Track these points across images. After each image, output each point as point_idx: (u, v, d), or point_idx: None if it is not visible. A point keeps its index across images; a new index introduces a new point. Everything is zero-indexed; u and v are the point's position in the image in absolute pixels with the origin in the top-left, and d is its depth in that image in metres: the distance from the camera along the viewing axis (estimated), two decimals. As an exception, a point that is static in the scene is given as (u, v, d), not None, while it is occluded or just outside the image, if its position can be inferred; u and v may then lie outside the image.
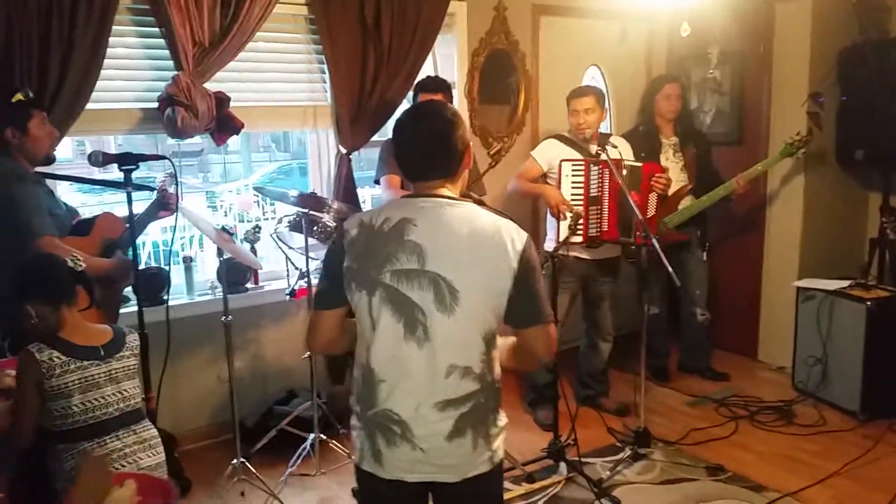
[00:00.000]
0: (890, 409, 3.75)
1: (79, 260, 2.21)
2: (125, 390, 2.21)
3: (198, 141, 3.83)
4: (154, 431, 2.28)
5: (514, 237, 1.66)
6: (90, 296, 2.22)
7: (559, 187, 3.53)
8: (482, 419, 1.69)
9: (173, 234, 2.67)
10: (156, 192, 2.83)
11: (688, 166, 4.13)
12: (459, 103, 4.15)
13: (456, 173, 1.73)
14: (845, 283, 3.97)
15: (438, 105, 1.77)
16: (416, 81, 3.59)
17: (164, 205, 2.85)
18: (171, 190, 2.86)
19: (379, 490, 1.72)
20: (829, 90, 4.19)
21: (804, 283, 4.15)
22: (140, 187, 2.70)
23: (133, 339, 2.29)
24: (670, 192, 4.08)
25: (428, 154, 1.69)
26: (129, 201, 2.39)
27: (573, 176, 3.51)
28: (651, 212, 3.61)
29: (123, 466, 2.10)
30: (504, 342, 1.77)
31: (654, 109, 4.19)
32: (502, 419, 1.76)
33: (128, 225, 2.50)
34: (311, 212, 3.12)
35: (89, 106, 3.05)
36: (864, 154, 4.06)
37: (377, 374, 1.65)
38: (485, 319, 1.66)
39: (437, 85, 3.45)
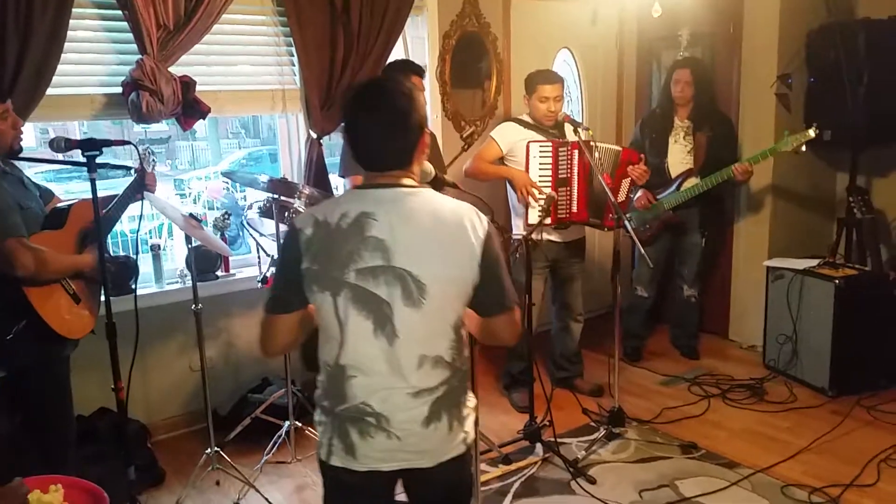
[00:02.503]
0: (858, 384, 3.82)
1: None
2: None
3: (165, 127, 3.76)
4: None
5: (476, 223, 1.62)
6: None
7: (526, 170, 3.53)
8: (455, 402, 1.68)
9: (139, 223, 2.60)
10: (133, 171, 2.70)
11: (697, 150, 4.15)
12: (431, 87, 4.11)
13: (413, 160, 1.64)
14: (814, 263, 4.03)
15: (395, 82, 1.64)
16: (387, 64, 3.55)
17: (143, 185, 2.72)
18: (150, 169, 2.78)
19: (349, 483, 1.67)
20: (798, 71, 4.23)
21: (774, 262, 4.20)
22: (116, 167, 2.64)
23: None
24: (673, 173, 4.12)
25: (387, 139, 1.59)
26: (94, 189, 2.32)
27: (541, 157, 3.50)
28: (622, 196, 3.62)
29: None
30: (470, 314, 1.72)
31: (670, 93, 4.21)
32: (471, 399, 1.76)
33: (104, 210, 2.42)
34: (282, 197, 3.08)
35: (51, 91, 2.97)
36: (832, 135, 4.10)
37: (347, 370, 1.61)
38: (453, 309, 1.63)
39: (409, 68, 3.39)
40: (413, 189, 1.62)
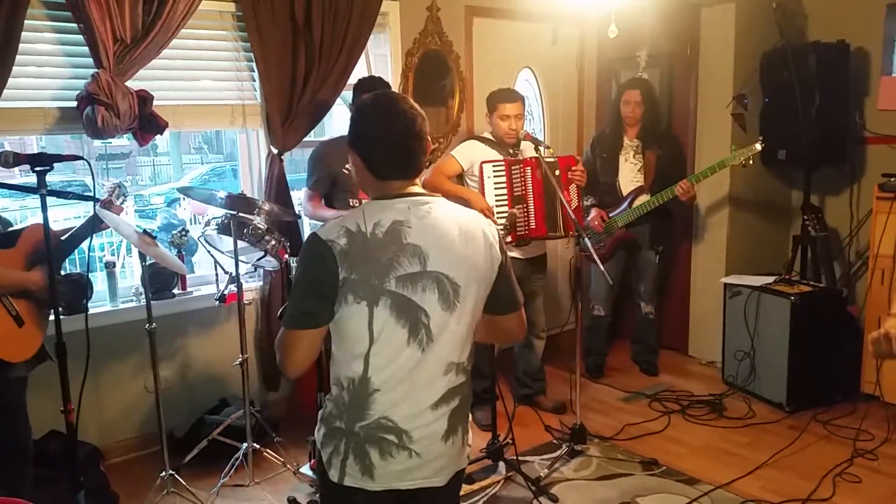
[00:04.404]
0: (814, 399, 3.89)
1: None
2: None
3: (126, 142, 3.68)
4: None
5: (491, 227, 1.72)
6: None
7: (481, 189, 3.54)
8: (466, 413, 1.73)
9: (90, 239, 2.54)
10: (98, 203, 2.60)
11: (647, 168, 4.21)
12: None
13: (422, 169, 1.71)
14: (770, 279, 4.11)
15: (406, 98, 1.68)
16: (357, 81, 3.52)
17: (101, 221, 2.63)
18: (119, 202, 2.71)
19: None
20: (753, 92, 4.33)
21: (731, 279, 4.27)
22: (83, 197, 2.53)
23: None
24: (624, 192, 4.17)
25: (403, 152, 1.63)
26: (44, 206, 2.25)
27: (495, 177, 3.52)
28: (574, 203, 3.65)
29: None
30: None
31: (619, 113, 4.27)
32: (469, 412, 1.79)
33: (65, 235, 2.36)
34: (241, 213, 3.03)
35: (1, 104, 2.90)
36: (787, 154, 4.20)
37: (372, 384, 1.58)
38: (478, 311, 1.70)
39: (382, 85, 3.39)
40: (430, 197, 1.67)
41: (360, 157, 1.65)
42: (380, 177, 1.65)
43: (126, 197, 2.78)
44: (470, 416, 1.77)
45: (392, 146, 1.62)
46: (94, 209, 2.59)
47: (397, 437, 1.60)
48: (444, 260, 1.60)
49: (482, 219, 1.72)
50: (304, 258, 1.62)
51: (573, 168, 3.63)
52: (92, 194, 2.51)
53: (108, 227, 2.71)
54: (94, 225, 2.63)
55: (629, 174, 4.25)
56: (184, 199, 7.27)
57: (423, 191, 1.68)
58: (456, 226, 1.64)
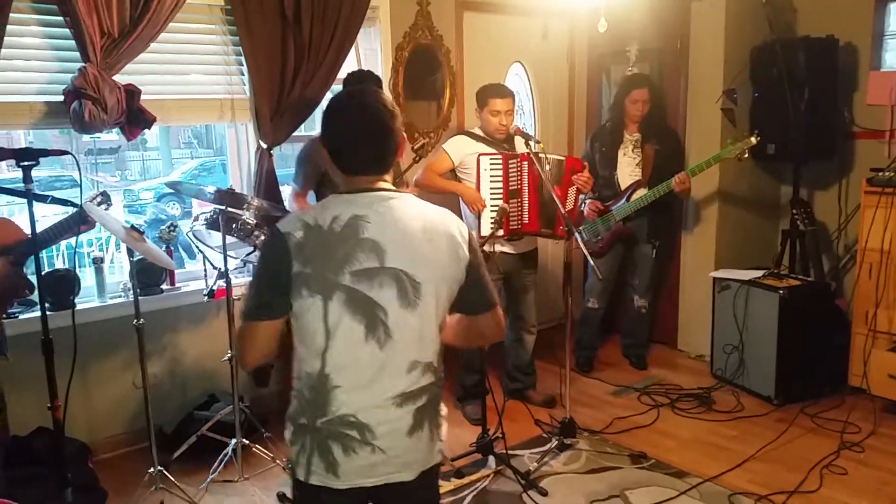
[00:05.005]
0: (802, 393, 3.92)
1: None
2: None
3: (115, 137, 3.66)
4: None
5: (460, 225, 1.69)
6: None
7: (477, 182, 3.54)
8: (435, 410, 1.70)
9: (78, 234, 2.52)
10: (78, 206, 2.60)
11: (645, 162, 4.22)
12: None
13: (391, 165, 1.69)
14: (759, 273, 4.12)
15: (376, 94, 1.68)
16: (347, 74, 3.51)
17: (84, 219, 2.63)
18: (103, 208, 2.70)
19: (326, 502, 1.63)
20: (743, 87, 4.34)
21: (720, 273, 4.29)
22: (62, 202, 2.49)
23: None
24: (622, 185, 4.18)
25: (370, 147, 1.63)
26: (30, 202, 2.24)
27: (491, 170, 3.52)
28: (570, 205, 3.66)
29: None
30: (450, 320, 1.74)
31: (623, 109, 4.26)
32: (444, 408, 1.77)
33: (38, 232, 2.32)
34: (230, 209, 3.02)
35: (-14, 98, 2.88)
36: (776, 148, 4.21)
37: (332, 379, 1.57)
38: (443, 310, 1.67)
39: (372, 78, 3.40)
40: (396, 193, 1.66)
41: (329, 152, 1.67)
42: (346, 171, 1.66)
43: (110, 206, 2.78)
44: (441, 412, 1.74)
45: (357, 142, 1.63)
46: (80, 210, 2.58)
47: (360, 432, 1.58)
48: (403, 256, 1.58)
49: (451, 218, 1.69)
50: (262, 250, 1.69)
51: (578, 172, 3.64)
52: (78, 198, 2.52)
53: (90, 229, 2.71)
54: (70, 226, 2.61)
55: (627, 168, 4.25)
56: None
57: (390, 187, 1.67)
58: (419, 222, 1.62)
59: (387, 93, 3.96)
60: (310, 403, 1.61)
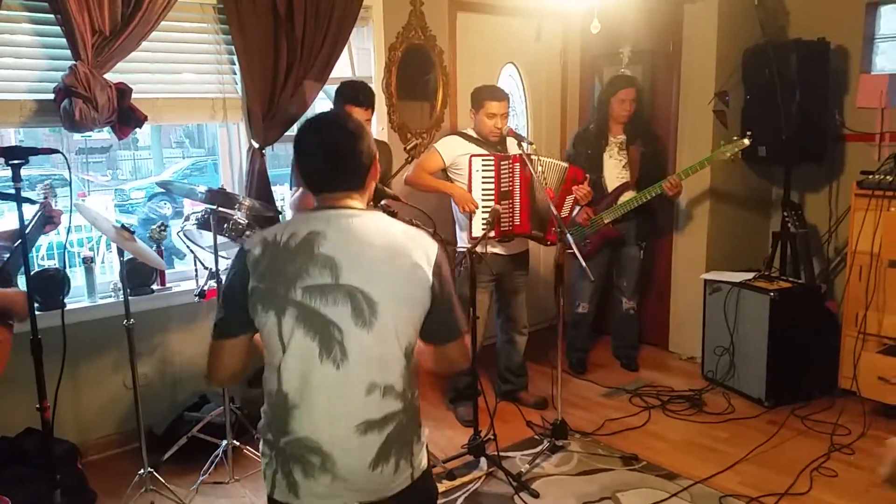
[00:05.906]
0: (792, 395, 3.93)
1: None
2: None
3: (106, 136, 3.64)
4: None
5: (428, 248, 1.63)
6: None
7: (469, 183, 3.54)
8: (406, 441, 1.62)
9: (68, 234, 2.50)
10: (39, 206, 2.62)
11: (631, 163, 4.23)
12: (377, 98, 4.07)
13: (363, 186, 1.68)
14: (750, 276, 4.13)
15: (338, 116, 1.73)
16: (339, 84, 3.44)
17: (49, 219, 2.66)
18: (55, 204, 2.70)
19: None
20: (734, 89, 4.36)
21: (711, 275, 4.30)
22: (26, 200, 2.49)
23: None
24: (609, 188, 4.17)
25: (332, 168, 1.64)
26: (19, 202, 2.21)
27: (483, 171, 3.52)
28: (565, 212, 3.66)
29: None
30: (423, 346, 1.69)
31: (609, 110, 4.25)
32: (424, 433, 1.70)
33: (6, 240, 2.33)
34: (221, 208, 3.00)
35: (-26, 97, 2.85)
36: (767, 150, 4.23)
37: (290, 399, 1.54)
38: (405, 333, 1.59)
39: (356, 100, 3.21)
40: (360, 211, 1.65)
41: (298, 171, 1.71)
42: (311, 189, 1.68)
43: (56, 196, 2.79)
44: (415, 443, 1.65)
45: (317, 161, 1.65)
46: (46, 224, 2.62)
47: (321, 459, 1.55)
48: (357, 273, 1.54)
49: (421, 240, 1.63)
50: (229, 266, 1.69)
51: (580, 182, 3.64)
52: (68, 190, 2.51)
53: (54, 229, 2.71)
54: (37, 227, 2.64)
55: (614, 170, 4.26)
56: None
57: (357, 205, 1.66)
58: (381, 240, 1.58)
59: (376, 93, 3.98)
60: (273, 421, 1.60)
